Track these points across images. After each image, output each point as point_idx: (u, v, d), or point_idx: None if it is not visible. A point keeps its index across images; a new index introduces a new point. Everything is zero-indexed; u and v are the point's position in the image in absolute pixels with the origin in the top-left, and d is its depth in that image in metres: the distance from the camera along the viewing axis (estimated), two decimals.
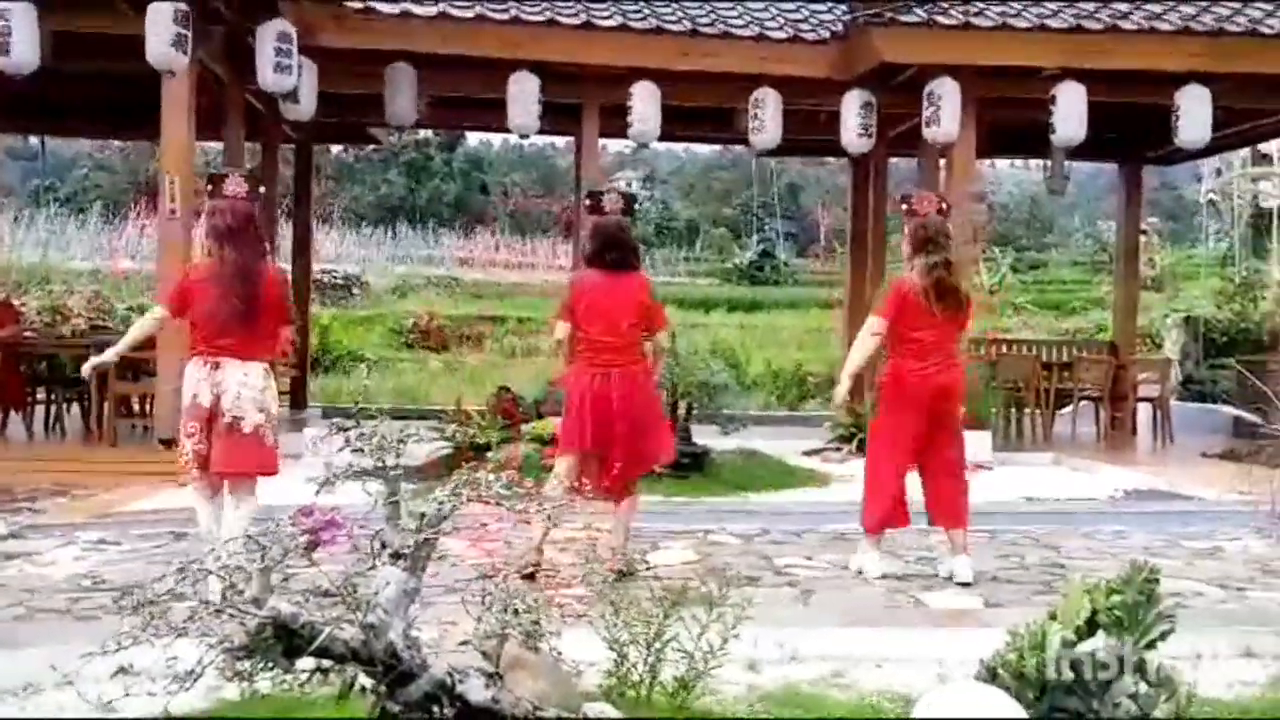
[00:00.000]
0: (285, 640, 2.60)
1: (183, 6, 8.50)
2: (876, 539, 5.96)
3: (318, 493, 2.86)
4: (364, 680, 2.71)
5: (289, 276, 5.65)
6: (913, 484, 6.01)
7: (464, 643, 2.91)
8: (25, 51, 8.72)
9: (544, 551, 5.54)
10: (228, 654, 2.60)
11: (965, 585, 5.72)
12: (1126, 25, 10.37)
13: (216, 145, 12.57)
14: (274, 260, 5.60)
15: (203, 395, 5.18)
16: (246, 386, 5.19)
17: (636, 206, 6.33)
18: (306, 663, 2.71)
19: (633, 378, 5.76)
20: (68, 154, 41.11)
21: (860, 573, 5.87)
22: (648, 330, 5.95)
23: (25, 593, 5.31)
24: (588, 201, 6.19)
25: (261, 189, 5.72)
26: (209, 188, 5.48)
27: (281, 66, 9.40)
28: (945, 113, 10.29)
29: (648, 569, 5.83)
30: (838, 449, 10.86)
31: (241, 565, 2.66)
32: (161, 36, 8.44)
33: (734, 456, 9.59)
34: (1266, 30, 10.40)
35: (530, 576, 5.33)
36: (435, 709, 2.64)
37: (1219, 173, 23.75)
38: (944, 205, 6.22)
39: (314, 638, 2.57)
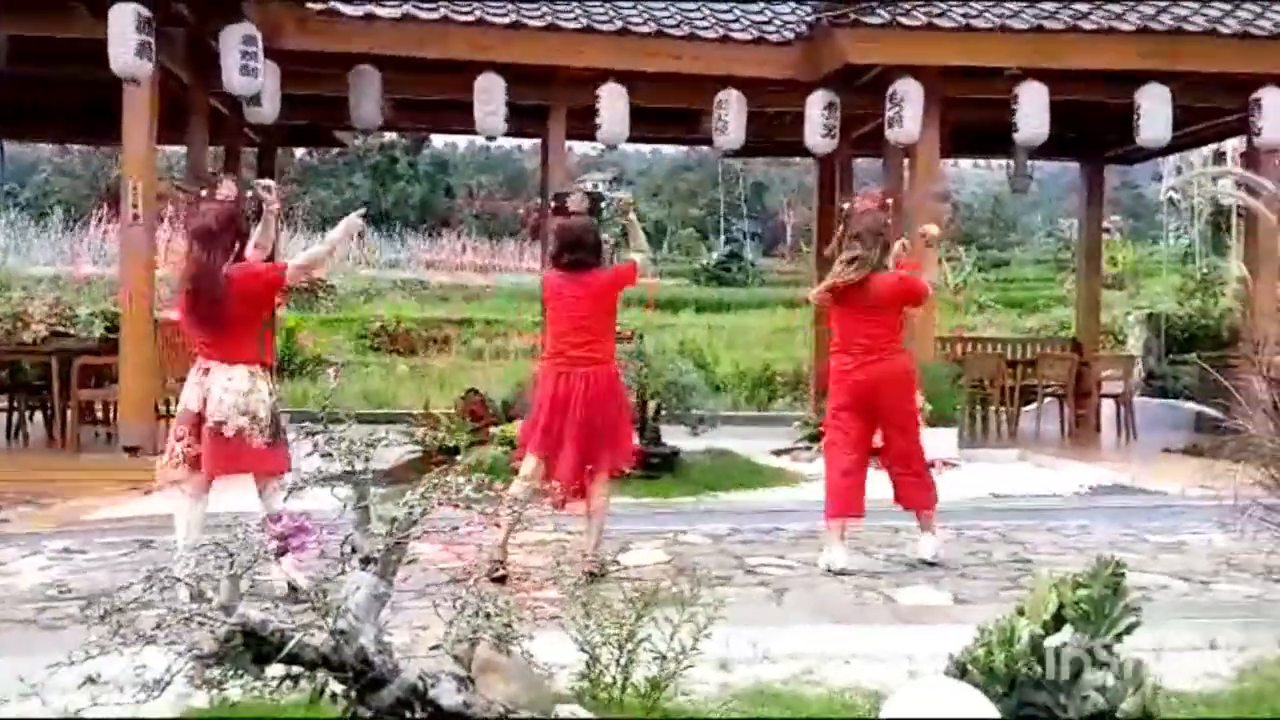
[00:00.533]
0: (255, 647, 2.59)
1: (145, 11, 8.40)
2: (837, 530, 6.01)
3: (286, 498, 2.84)
4: (335, 686, 2.70)
5: (257, 266, 5.54)
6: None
7: (435, 647, 2.90)
8: None
9: (507, 552, 5.55)
10: (196, 661, 2.58)
11: (928, 564, 5.97)
12: (1087, 25, 10.47)
13: (179, 149, 12.46)
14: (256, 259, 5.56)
15: (192, 400, 5.28)
16: (229, 391, 5.24)
17: (603, 207, 6.39)
18: (277, 669, 2.70)
19: (598, 379, 5.74)
20: (28, 159, 40.66)
21: (829, 570, 5.90)
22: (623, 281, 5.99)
23: None
24: (553, 203, 6.21)
25: (250, 193, 5.82)
26: (203, 191, 5.59)
27: (248, 69, 9.33)
28: (908, 113, 10.36)
29: (618, 569, 5.83)
30: (807, 448, 10.89)
31: (209, 573, 2.65)
32: (125, 45, 8.31)
33: (703, 457, 9.60)
34: (1225, 30, 10.53)
35: (501, 579, 5.33)
36: (407, 714, 2.64)
37: (1179, 171, 23.99)
38: (886, 203, 6.35)
39: (284, 644, 2.56)
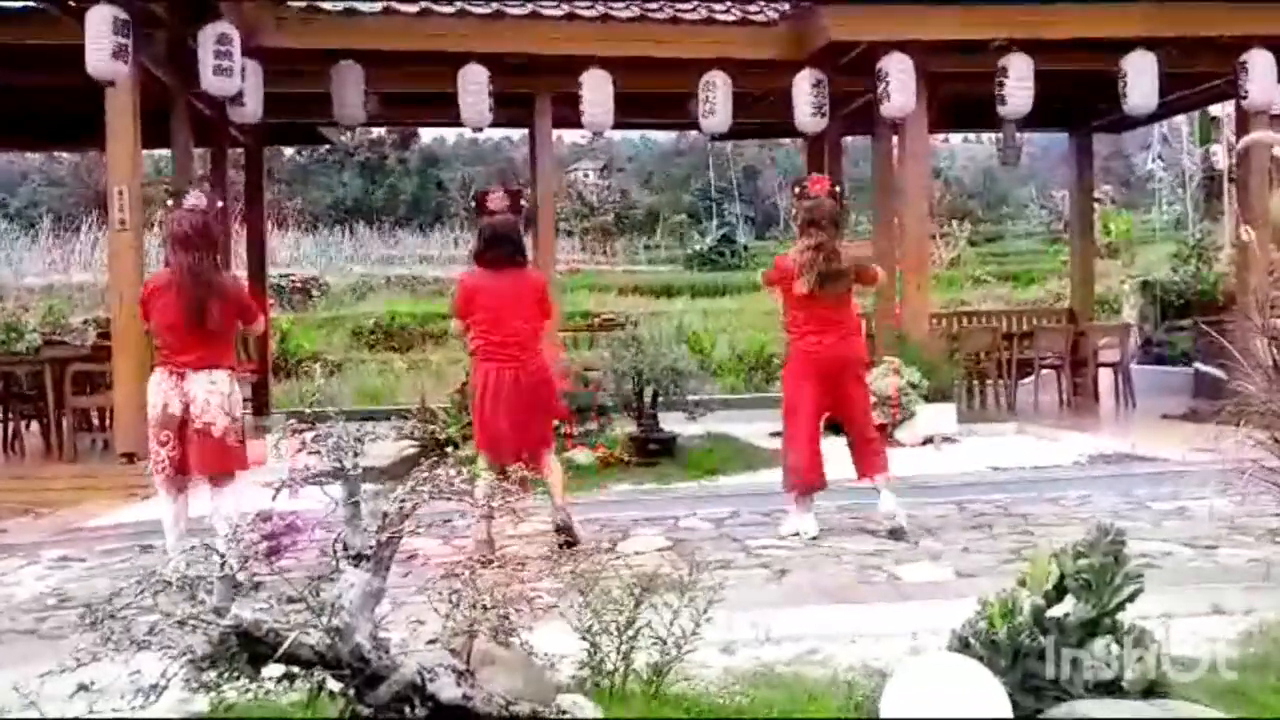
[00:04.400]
0: (250, 648, 2.56)
1: (122, 14, 8.33)
2: (806, 500, 6.24)
3: (274, 497, 2.82)
4: (333, 684, 2.68)
5: (242, 280, 6.05)
6: None
7: (431, 641, 2.88)
8: None
9: (494, 544, 5.65)
10: (191, 665, 2.55)
11: (892, 522, 6.14)
12: None
13: (166, 152, 12.41)
14: (228, 267, 5.81)
15: (173, 404, 5.45)
16: (214, 393, 5.46)
17: (523, 202, 6.48)
18: (273, 670, 2.67)
19: (531, 374, 5.94)
20: (17, 169, 40.58)
21: (805, 536, 6.07)
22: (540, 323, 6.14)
23: None
24: (474, 202, 6.27)
25: (220, 204, 6.06)
26: (169, 201, 5.82)
27: (221, 69, 9.24)
28: (895, 88, 10.30)
29: (617, 557, 5.81)
30: None
31: (200, 574, 2.62)
32: (101, 48, 8.25)
33: (702, 441, 9.59)
34: None
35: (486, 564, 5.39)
36: (406, 709, 2.61)
37: (1165, 139, 23.98)
38: (836, 188, 6.47)
39: (279, 644, 2.53)
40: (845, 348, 6.24)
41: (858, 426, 6.34)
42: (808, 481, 6.23)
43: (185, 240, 5.49)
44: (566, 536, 5.90)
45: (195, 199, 5.69)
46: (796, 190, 6.52)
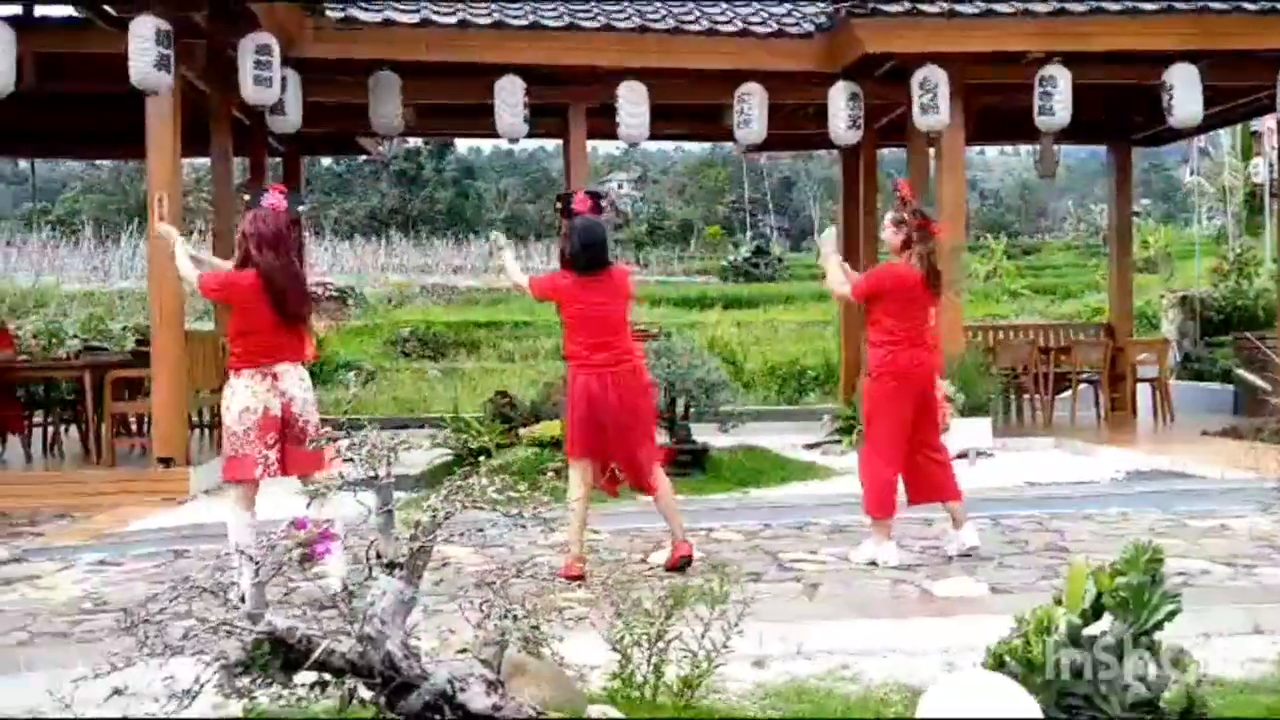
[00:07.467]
0: (282, 654, 2.57)
1: (164, 25, 8.43)
2: (887, 526, 5.95)
3: (308, 505, 2.83)
4: (364, 692, 2.68)
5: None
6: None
7: (462, 651, 2.88)
8: (3, 74, 8.61)
9: (583, 556, 5.65)
10: (224, 671, 2.56)
11: (967, 554, 5.92)
12: (1110, 6, 10.33)
13: (205, 161, 12.53)
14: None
15: (274, 407, 5.27)
16: (306, 389, 5.38)
17: (604, 204, 6.41)
18: (305, 676, 2.68)
19: (628, 377, 5.78)
20: (58, 176, 41.17)
21: (885, 565, 5.83)
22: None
23: (27, 617, 5.26)
24: (558, 205, 6.19)
25: (303, 205, 5.93)
26: (247, 197, 5.71)
27: (261, 79, 9.33)
28: (932, 101, 10.25)
29: (649, 568, 5.81)
30: (837, 442, 10.83)
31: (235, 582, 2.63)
32: (144, 57, 8.35)
33: (734, 453, 9.56)
34: (1250, 6, 10.36)
35: (580, 577, 5.39)
36: (436, 718, 2.61)
37: (1204, 152, 23.71)
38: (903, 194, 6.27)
39: (311, 651, 2.54)
40: (933, 361, 6.06)
41: (931, 442, 6.07)
42: (890, 506, 5.96)
43: (271, 239, 5.35)
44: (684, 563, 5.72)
45: (274, 199, 5.57)
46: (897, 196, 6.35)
